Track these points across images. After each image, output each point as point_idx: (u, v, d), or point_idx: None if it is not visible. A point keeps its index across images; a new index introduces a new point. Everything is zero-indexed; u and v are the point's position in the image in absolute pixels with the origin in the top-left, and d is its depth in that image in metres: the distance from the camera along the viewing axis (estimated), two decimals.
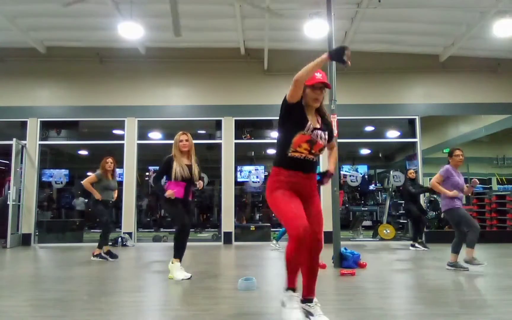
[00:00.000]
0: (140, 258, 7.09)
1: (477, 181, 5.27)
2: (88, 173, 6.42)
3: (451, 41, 9.12)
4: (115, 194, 6.62)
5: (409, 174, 8.28)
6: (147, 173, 12.65)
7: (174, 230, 4.79)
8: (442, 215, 9.05)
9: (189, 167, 4.64)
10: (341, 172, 10.70)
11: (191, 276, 4.56)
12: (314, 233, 2.68)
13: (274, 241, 8.08)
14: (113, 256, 6.31)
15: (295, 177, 2.65)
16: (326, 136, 2.76)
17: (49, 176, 10.81)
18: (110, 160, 6.38)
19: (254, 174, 10.95)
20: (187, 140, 4.67)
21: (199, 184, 4.73)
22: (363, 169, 12.67)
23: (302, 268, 2.75)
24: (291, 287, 2.67)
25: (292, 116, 2.65)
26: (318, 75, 2.67)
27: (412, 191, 8.03)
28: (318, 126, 2.73)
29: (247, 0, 7.11)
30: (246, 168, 11.23)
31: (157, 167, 4.85)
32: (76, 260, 6.17)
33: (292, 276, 2.67)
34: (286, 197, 2.62)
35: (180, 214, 4.59)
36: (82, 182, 6.28)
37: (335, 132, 2.93)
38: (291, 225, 2.54)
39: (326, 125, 2.79)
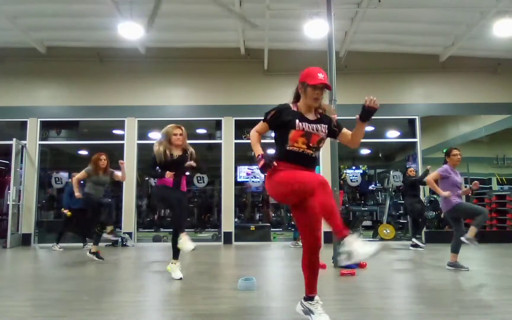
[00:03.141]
0: (140, 258, 7.09)
1: (478, 184, 5.30)
2: None
3: (451, 41, 9.12)
4: (120, 176, 6.40)
5: (409, 172, 8.27)
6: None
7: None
8: (442, 215, 9.04)
9: (179, 158, 4.58)
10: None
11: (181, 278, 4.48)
12: (312, 231, 2.70)
13: (294, 242, 8.32)
14: (99, 257, 6.17)
15: (295, 169, 2.67)
16: (325, 129, 2.78)
17: (57, 180, 10.76)
18: (103, 157, 6.25)
19: (251, 173, 10.99)
20: (181, 135, 4.61)
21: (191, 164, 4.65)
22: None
23: (303, 267, 2.78)
24: (312, 295, 2.75)
25: (279, 122, 2.73)
26: (320, 76, 2.70)
27: (413, 179, 8.04)
28: (313, 118, 2.76)
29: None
30: (244, 168, 11.25)
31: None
32: (76, 260, 6.17)
33: (313, 281, 2.74)
34: (289, 170, 2.63)
35: (171, 193, 4.54)
36: (73, 179, 6.23)
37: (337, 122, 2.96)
38: (309, 180, 2.49)
39: (326, 119, 2.82)
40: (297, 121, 2.68)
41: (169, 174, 4.45)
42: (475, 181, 5.40)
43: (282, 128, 2.71)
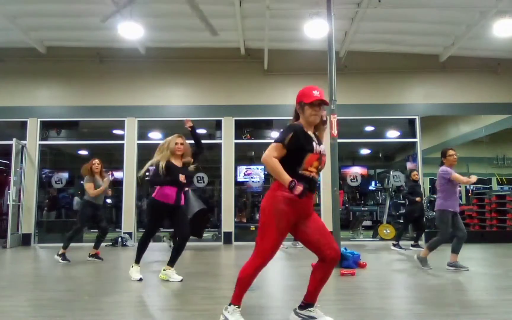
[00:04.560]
0: None
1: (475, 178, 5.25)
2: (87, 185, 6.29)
3: (451, 41, 9.12)
4: (109, 192, 6.45)
5: (413, 176, 8.21)
6: (147, 173, 12.63)
7: (171, 230, 4.75)
8: None
9: (184, 170, 4.50)
10: None
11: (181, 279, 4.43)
12: (329, 244, 2.65)
13: (294, 242, 8.31)
14: (66, 259, 6.02)
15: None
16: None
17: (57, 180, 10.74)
18: (97, 161, 6.26)
19: (248, 172, 11.00)
20: (182, 144, 4.53)
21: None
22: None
23: (314, 276, 2.74)
24: (237, 304, 2.69)
25: (295, 146, 2.61)
26: (316, 93, 2.67)
27: (403, 193, 7.98)
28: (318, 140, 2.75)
29: None
30: (244, 168, 11.27)
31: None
32: (76, 260, 6.17)
33: (242, 294, 2.71)
34: (281, 229, 2.60)
35: (152, 225, 4.57)
36: (91, 194, 6.08)
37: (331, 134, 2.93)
38: (266, 254, 2.61)
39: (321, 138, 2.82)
40: (314, 143, 2.64)
41: (182, 177, 4.37)
42: (473, 176, 5.29)
43: (298, 151, 2.60)
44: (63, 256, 6.00)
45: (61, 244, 6.15)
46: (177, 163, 4.52)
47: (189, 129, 4.70)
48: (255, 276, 2.66)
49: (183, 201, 4.60)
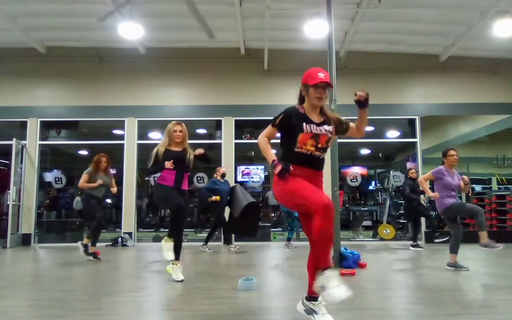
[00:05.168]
0: (140, 258, 7.09)
1: (466, 178, 5.28)
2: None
3: (451, 41, 9.12)
4: (114, 189, 6.57)
5: (410, 174, 8.23)
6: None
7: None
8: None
9: (181, 154, 4.56)
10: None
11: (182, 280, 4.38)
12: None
13: (287, 243, 8.28)
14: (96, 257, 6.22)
15: (303, 172, 2.66)
16: (331, 128, 2.78)
17: (57, 180, 10.76)
18: (104, 159, 6.41)
19: (246, 172, 11.01)
20: (180, 131, 4.61)
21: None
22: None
23: (309, 267, 2.76)
24: (315, 295, 2.67)
25: (287, 127, 2.71)
26: (321, 75, 2.70)
27: (406, 193, 8.00)
28: (319, 120, 2.76)
29: None
30: (242, 167, 11.28)
31: None
32: (76, 260, 6.17)
33: (325, 255, 2.54)
34: (299, 181, 2.60)
35: (172, 196, 4.41)
36: (79, 184, 6.34)
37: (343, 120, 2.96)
38: (314, 200, 2.47)
39: (330, 119, 2.82)
40: (304, 124, 2.67)
41: (168, 164, 4.41)
42: (463, 176, 5.34)
43: (290, 131, 2.69)
44: (93, 254, 6.20)
45: (63, 244, 6.18)
46: (176, 148, 4.60)
47: (201, 155, 4.66)
48: (328, 225, 2.43)
49: (186, 185, 4.61)
